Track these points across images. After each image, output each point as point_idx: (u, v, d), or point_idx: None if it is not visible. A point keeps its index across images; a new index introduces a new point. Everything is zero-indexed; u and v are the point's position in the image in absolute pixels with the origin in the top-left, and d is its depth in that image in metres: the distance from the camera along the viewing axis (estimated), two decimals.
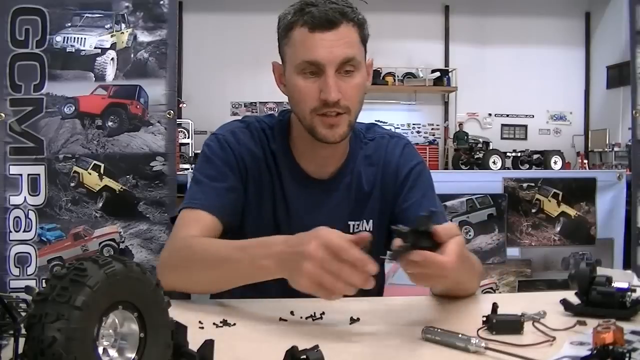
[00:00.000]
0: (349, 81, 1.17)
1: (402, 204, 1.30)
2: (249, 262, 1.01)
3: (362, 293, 1.34)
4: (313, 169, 1.29)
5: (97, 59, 2.13)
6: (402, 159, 1.33)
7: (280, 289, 1.31)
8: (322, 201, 1.29)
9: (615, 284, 1.01)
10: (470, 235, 2.54)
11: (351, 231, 1.30)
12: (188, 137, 10.33)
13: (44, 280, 2.02)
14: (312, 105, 1.17)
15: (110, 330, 0.60)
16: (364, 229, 1.31)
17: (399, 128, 12.26)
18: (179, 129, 9.45)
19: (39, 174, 2.08)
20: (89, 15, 2.13)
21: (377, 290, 1.42)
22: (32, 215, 2.08)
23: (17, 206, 2.07)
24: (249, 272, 1.03)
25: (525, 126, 12.30)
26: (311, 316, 1.01)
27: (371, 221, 1.32)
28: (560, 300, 1.04)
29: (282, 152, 1.29)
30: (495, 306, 0.93)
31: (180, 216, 1.22)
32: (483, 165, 10.61)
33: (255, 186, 1.27)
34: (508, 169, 10.66)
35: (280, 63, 1.25)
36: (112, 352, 0.61)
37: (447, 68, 11.89)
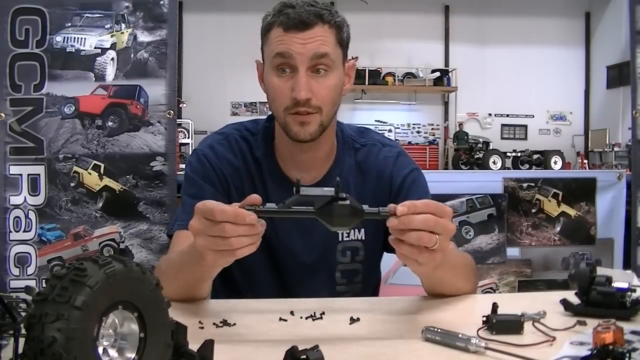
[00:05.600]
0: (321, 81, 1.18)
1: None
2: (191, 258, 1.02)
3: (361, 294, 1.35)
4: (295, 174, 1.28)
5: (97, 59, 2.12)
6: (395, 167, 1.31)
7: (279, 289, 1.32)
8: None
9: (615, 284, 1.01)
10: (470, 235, 2.54)
11: (340, 240, 1.30)
12: (188, 137, 10.33)
13: (44, 280, 2.03)
14: (285, 103, 1.18)
15: (110, 330, 0.60)
16: (355, 237, 1.30)
17: (399, 128, 12.29)
18: (179, 129, 9.45)
19: (39, 174, 2.08)
20: (89, 15, 2.13)
21: (372, 291, 1.42)
22: (32, 215, 2.07)
23: (17, 206, 2.07)
24: (195, 267, 1.01)
25: (525, 126, 12.31)
26: (311, 316, 1.01)
27: (363, 230, 1.30)
28: (560, 300, 1.04)
29: (266, 158, 1.29)
30: (495, 306, 0.93)
31: (172, 239, 1.26)
32: (483, 165, 10.62)
33: (238, 196, 1.25)
34: (508, 169, 10.67)
35: (262, 63, 1.27)
36: (112, 352, 0.61)
37: (447, 68, 11.90)
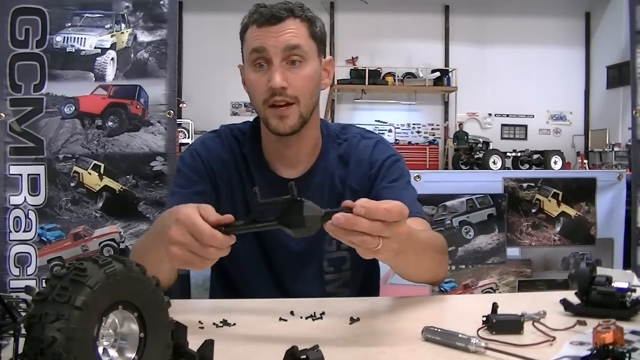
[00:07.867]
0: (296, 72, 1.22)
1: (373, 192, 1.30)
2: (155, 247, 1.02)
3: (362, 292, 1.36)
4: (282, 169, 1.33)
5: (97, 59, 2.13)
6: (373, 154, 1.35)
7: (272, 281, 1.33)
8: None
9: (615, 284, 1.01)
10: (470, 235, 2.54)
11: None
12: (188, 137, 10.33)
13: (44, 280, 2.02)
14: (263, 96, 1.23)
15: (110, 330, 0.60)
16: None
17: (399, 128, 12.29)
18: (179, 129, 9.45)
19: (39, 174, 2.08)
20: (89, 15, 2.13)
21: (364, 278, 1.43)
22: (32, 215, 2.07)
23: (17, 206, 2.07)
24: (161, 257, 0.98)
25: (525, 126, 12.32)
26: (311, 316, 1.01)
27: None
28: (560, 300, 1.04)
29: (253, 154, 1.33)
30: (495, 306, 0.93)
31: None
32: (483, 165, 10.63)
33: (226, 189, 1.32)
34: (508, 169, 10.68)
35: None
36: (112, 352, 0.61)
37: (447, 68, 11.90)
